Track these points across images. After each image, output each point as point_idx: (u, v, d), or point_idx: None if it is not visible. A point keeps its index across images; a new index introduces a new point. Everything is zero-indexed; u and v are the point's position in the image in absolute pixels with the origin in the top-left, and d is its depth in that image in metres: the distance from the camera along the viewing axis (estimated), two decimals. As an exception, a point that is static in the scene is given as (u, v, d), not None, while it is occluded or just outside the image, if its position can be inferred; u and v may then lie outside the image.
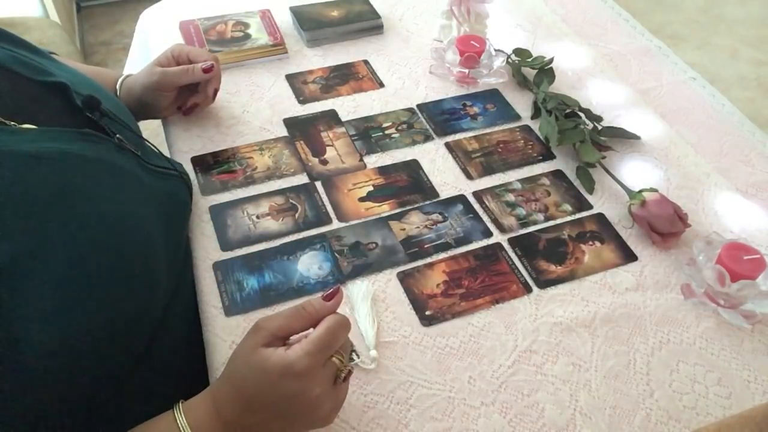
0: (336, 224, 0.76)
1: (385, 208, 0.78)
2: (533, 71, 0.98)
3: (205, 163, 0.83)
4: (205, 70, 0.81)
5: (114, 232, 0.54)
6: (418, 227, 0.76)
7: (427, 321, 0.67)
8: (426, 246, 0.74)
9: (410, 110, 0.93)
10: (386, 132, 0.89)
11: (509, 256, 0.74)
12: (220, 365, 0.62)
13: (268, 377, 0.50)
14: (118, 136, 0.63)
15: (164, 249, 0.61)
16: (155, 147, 0.72)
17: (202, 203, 0.77)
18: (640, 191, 0.77)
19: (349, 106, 0.93)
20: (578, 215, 0.79)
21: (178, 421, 0.51)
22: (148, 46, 1.05)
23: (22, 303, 0.46)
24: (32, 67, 0.62)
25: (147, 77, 0.81)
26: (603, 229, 0.77)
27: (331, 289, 0.54)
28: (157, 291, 0.58)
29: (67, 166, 0.53)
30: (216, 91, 0.86)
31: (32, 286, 0.47)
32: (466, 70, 0.95)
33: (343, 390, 0.55)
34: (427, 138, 0.88)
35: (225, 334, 0.65)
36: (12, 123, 0.54)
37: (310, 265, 0.71)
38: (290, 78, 0.97)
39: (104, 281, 0.52)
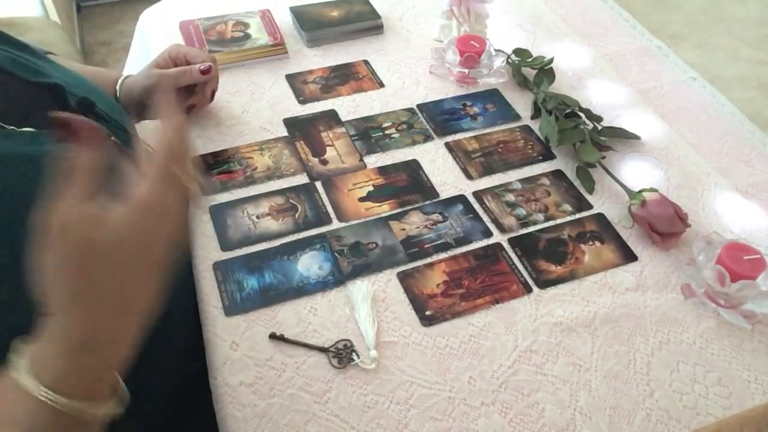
0: (336, 224, 0.76)
1: (385, 208, 0.78)
2: (533, 71, 0.98)
3: (205, 163, 0.82)
4: (203, 72, 0.81)
5: None
6: (418, 227, 0.76)
7: (427, 321, 0.67)
8: (426, 246, 0.74)
9: (410, 110, 0.93)
10: (386, 132, 0.89)
11: (509, 256, 0.74)
12: (221, 365, 0.62)
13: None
14: (112, 138, 0.63)
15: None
16: (151, 148, 0.72)
17: (202, 203, 0.77)
18: (640, 191, 0.77)
19: (349, 106, 0.93)
20: (578, 215, 0.79)
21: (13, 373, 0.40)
22: (148, 46, 1.05)
23: (14, 308, 0.46)
24: (27, 68, 0.62)
25: (145, 79, 0.81)
26: (603, 229, 0.77)
27: None
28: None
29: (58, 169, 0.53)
30: (214, 92, 0.86)
31: (26, 289, 0.47)
32: (466, 70, 0.95)
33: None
34: (427, 138, 0.88)
35: (225, 334, 0.65)
36: (11, 127, 0.54)
37: (310, 265, 0.71)
38: (290, 78, 0.97)
39: None
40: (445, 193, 0.81)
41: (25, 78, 0.61)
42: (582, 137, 0.84)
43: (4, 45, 0.63)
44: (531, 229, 0.77)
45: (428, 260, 0.73)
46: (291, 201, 0.78)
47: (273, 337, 0.64)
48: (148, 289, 0.43)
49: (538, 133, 0.90)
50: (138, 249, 0.41)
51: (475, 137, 0.89)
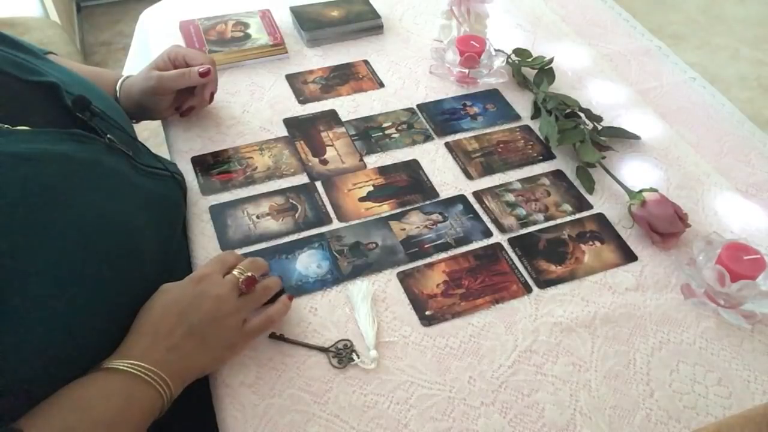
0: (336, 224, 0.76)
1: (385, 208, 0.78)
2: (533, 71, 0.98)
3: (205, 163, 0.83)
4: (202, 74, 0.81)
5: (101, 231, 0.54)
6: (418, 227, 0.76)
7: (427, 321, 0.67)
8: (426, 246, 0.74)
9: (410, 110, 0.93)
10: (386, 132, 0.89)
11: (509, 256, 0.74)
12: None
13: (173, 294, 0.58)
14: (108, 136, 0.63)
15: (154, 249, 0.61)
16: (147, 148, 0.72)
17: (202, 203, 0.77)
18: (640, 191, 0.77)
19: (349, 106, 0.93)
20: (578, 215, 0.79)
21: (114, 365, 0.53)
22: (148, 47, 1.05)
23: (2, 303, 0.46)
24: (23, 67, 0.62)
25: (144, 81, 0.81)
26: (603, 229, 0.77)
27: None
28: (146, 291, 0.58)
29: (52, 167, 0.53)
30: (213, 94, 0.86)
31: (15, 287, 0.47)
32: (466, 70, 0.95)
33: (247, 304, 0.61)
34: (427, 138, 0.88)
35: (225, 334, 0.64)
36: (6, 126, 0.54)
37: (308, 263, 0.71)
38: (290, 78, 0.97)
39: (91, 281, 0.52)
40: (445, 193, 0.81)
41: (21, 77, 0.61)
42: (582, 137, 0.84)
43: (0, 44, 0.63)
44: (531, 229, 0.77)
45: (428, 260, 0.73)
46: (291, 201, 0.78)
47: (273, 336, 0.64)
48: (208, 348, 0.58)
49: (538, 133, 0.90)
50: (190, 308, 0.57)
51: (475, 137, 0.89)
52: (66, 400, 0.49)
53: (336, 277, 0.70)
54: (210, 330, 0.57)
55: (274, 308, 0.63)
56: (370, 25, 1.06)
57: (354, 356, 0.63)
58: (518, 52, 1.00)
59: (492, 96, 0.96)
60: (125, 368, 0.52)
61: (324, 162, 0.84)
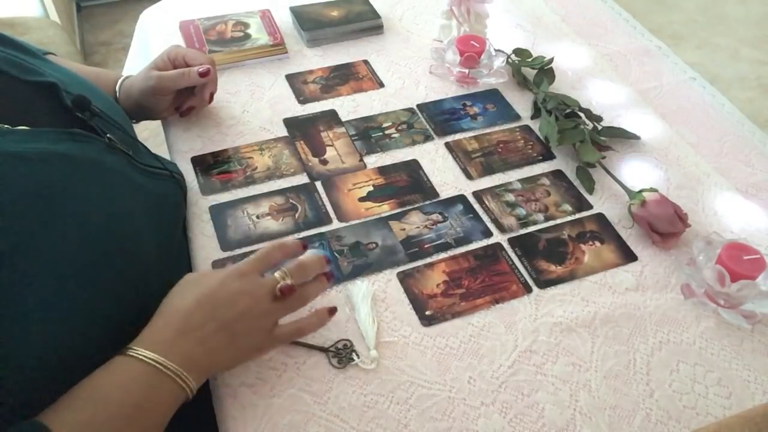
0: (336, 224, 0.76)
1: (385, 208, 0.78)
2: (533, 71, 0.98)
3: (205, 163, 0.83)
4: (202, 74, 0.81)
5: (100, 231, 0.54)
6: (418, 227, 0.76)
7: (427, 321, 0.67)
8: (426, 246, 0.74)
9: (410, 110, 0.93)
10: (386, 132, 0.89)
11: (509, 256, 0.74)
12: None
13: (210, 286, 0.57)
14: (108, 135, 0.63)
15: (154, 249, 0.61)
16: (147, 147, 0.72)
17: (202, 203, 0.77)
18: (640, 191, 0.77)
19: (349, 106, 0.93)
20: (578, 215, 0.79)
21: (136, 355, 0.52)
22: (148, 47, 1.05)
23: (2, 303, 0.46)
24: (22, 68, 0.62)
25: (144, 81, 0.81)
26: (603, 229, 0.77)
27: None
28: (146, 291, 0.58)
29: (52, 167, 0.53)
30: (212, 94, 0.86)
31: (15, 287, 0.47)
32: (466, 70, 0.95)
33: (281, 309, 0.59)
34: (427, 138, 0.88)
35: (225, 334, 0.64)
36: (5, 126, 0.54)
37: (310, 265, 0.71)
38: (290, 78, 0.97)
39: (91, 281, 0.52)
40: (445, 193, 0.81)
41: (20, 77, 0.61)
42: (582, 137, 0.84)
43: None
44: (531, 229, 0.77)
45: (428, 260, 0.73)
46: (291, 201, 0.78)
47: (273, 337, 0.64)
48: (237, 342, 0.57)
49: (538, 133, 0.90)
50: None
51: (475, 137, 0.89)
52: (86, 392, 0.49)
53: (336, 276, 0.70)
54: (240, 329, 0.56)
55: (307, 321, 0.61)
56: (370, 25, 1.06)
57: (354, 356, 0.63)
58: (518, 52, 1.00)
59: (492, 96, 0.96)
60: (150, 362, 0.52)
61: (324, 162, 0.84)
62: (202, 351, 0.54)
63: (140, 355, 0.52)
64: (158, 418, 0.52)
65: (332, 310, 0.62)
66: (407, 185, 0.81)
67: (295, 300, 0.60)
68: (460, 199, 0.80)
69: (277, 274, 0.59)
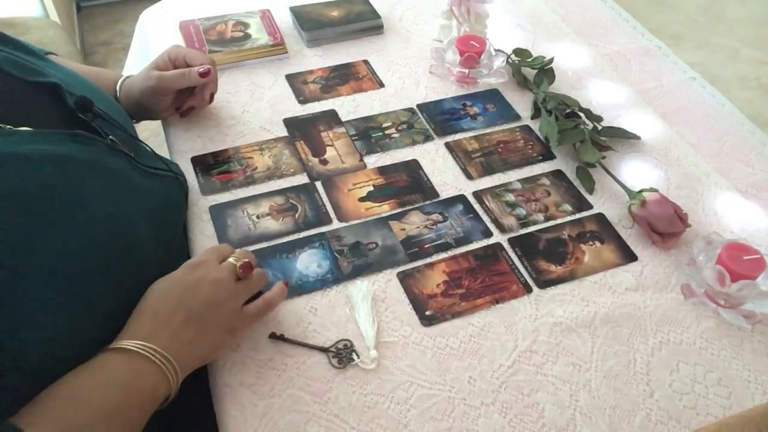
0: (336, 224, 0.76)
1: (385, 208, 0.78)
2: (533, 71, 0.98)
3: (205, 163, 0.83)
4: (202, 74, 0.81)
5: (101, 233, 0.54)
6: (418, 227, 0.76)
7: (427, 321, 0.67)
8: (426, 246, 0.74)
9: (410, 110, 0.93)
10: (386, 132, 0.89)
11: (509, 256, 0.74)
12: (221, 365, 0.62)
13: (170, 280, 0.58)
14: (110, 137, 0.63)
15: (155, 250, 0.61)
16: (150, 148, 0.72)
17: (202, 203, 0.77)
18: (640, 191, 0.77)
19: (349, 106, 0.93)
20: (578, 215, 0.79)
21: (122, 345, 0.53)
22: (148, 47, 1.05)
23: (3, 303, 0.46)
24: (25, 68, 0.62)
25: (144, 81, 0.81)
26: (603, 229, 0.77)
27: None
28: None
29: (54, 168, 0.53)
30: (212, 94, 0.86)
31: (15, 287, 0.47)
32: (466, 70, 0.95)
33: (245, 289, 0.61)
34: (427, 138, 0.88)
35: (225, 334, 0.64)
36: (8, 126, 0.54)
37: (309, 263, 0.71)
38: (290, 78, 0.97)
39: (92, 281, 0.52)
40: (445, 193, 0.81)
41: (23, 77, 0.61)
42: (582, 137, 0.84)
43: (1, 45, 0.63)
44: (531, 229, 0.77)
45: (428, 260, 0.73)
46: (291, 201, 0.78)
47: (273, 336, 0.64)
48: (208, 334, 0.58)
49: (538, 133, 0.90)
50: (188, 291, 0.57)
51: (475, 137, 0.89)
52: (63, 391, 0.49)
53: (336, 276, 0.70)
54: (209, 315, 0.57)
55: (272, 292, 0.63)
56: (370, 25, 1.06)
57: (354, 356, 0.63)
58: (518, 52, 1.00)
59: (492, 96, 0.96)
60: (130, 347, 0.52)
61: (324, 162, 0.84)
62: (177, 345, 0.55)
63: (121, 345, 0.52)
64: (138, 413, 0.51)
65: (286, 282, 0.65)
66: (407, 185, 0.81)
67: (256, 278, 0.62)
68: (460, 199, 0.80)
69: (231, 259, 0.61)
